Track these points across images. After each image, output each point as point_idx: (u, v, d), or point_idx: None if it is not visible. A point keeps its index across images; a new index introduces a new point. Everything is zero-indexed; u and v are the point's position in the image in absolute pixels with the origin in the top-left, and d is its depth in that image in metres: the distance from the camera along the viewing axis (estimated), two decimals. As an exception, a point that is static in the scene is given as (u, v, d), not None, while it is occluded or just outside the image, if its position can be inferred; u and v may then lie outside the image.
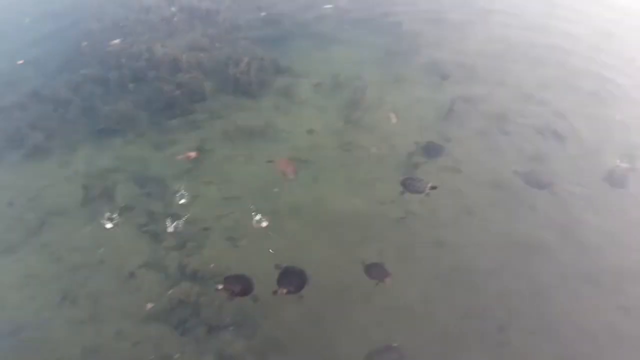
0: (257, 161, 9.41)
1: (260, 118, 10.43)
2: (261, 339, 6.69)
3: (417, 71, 12.19)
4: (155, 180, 8.98)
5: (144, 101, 10.81)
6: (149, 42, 12.39)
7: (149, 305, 6.94)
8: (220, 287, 6.98)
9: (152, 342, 6.62)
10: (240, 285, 7.02)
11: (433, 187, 8.76)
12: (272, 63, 11.95)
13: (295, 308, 7.06)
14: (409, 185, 8.80)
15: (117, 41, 12.52)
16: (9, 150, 9.69)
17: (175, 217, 8.29)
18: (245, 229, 8.17)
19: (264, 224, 8.23)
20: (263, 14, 14.13)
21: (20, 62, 12.13)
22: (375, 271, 7.55)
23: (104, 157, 9.51)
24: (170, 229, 8.09)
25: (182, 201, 8.55)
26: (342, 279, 7.45)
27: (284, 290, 7.09)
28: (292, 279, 7.31)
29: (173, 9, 13.90)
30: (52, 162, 9.43)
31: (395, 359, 6.57)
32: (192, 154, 9.51)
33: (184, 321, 6.83)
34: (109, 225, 8.17)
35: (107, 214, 8.31)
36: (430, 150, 9.75)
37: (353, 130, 10.20)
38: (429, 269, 7.70)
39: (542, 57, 12.76)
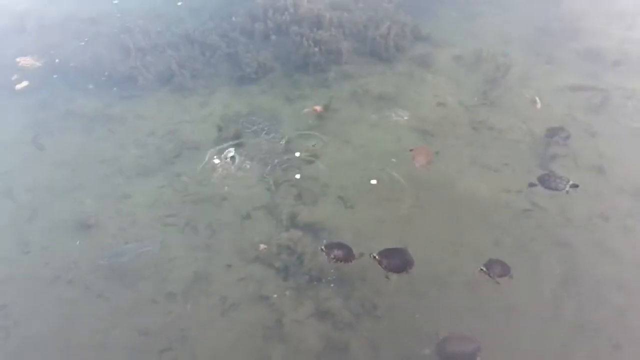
0: (382, 126, 9.28)
1: (391, 84, 10.24)
2: (357, 301, 6.72)
3: (572, 55, 11.04)
4: (282, 131, 9.30)
5: (283, 54, 11.17)
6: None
7: (262, 247, 7.29)
8: (323, 248, 7.03)
9: (256, 280, 6.96)
10: (342, 252, 6.98)
11: (574, 185, 7.74)
12: (413, 29, 11.57)
13: (395, 281, 6.96)
14: (546, 181, 7.90)
15: (266, -7, 12.93)
16: (158, 85, 10.60)
17: (293, 169, 8.55)
18: (359, 192, 8.16)
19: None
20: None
21: (180, 3, 13.10)
22: (496, 268, 7.02)
23: (239, 102, 10.03)
24: (289, 178, 8.36)
25: (297, 154, 8.78)
26: (450, 261, 7.14)
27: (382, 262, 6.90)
28: (394, 257, 7.03)
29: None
30: (192, 101, 10.17)
31: (469, 351, 6.18)
32: (318, 108, 9.64)
33: (288, 267, 7.08)
34: (234, 168, 8.67)
35: (236, 156, 8.81)
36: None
37: (488, 109, 9.58)
38: (547, 269, 7.06)
39: None
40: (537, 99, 9.61)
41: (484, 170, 8.44)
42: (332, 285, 6.88)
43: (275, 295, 6.79)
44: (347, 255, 6.89)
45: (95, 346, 6.34)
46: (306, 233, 7.50)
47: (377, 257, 6.65)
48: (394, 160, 8.61)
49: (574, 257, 7.20)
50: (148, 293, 6.87)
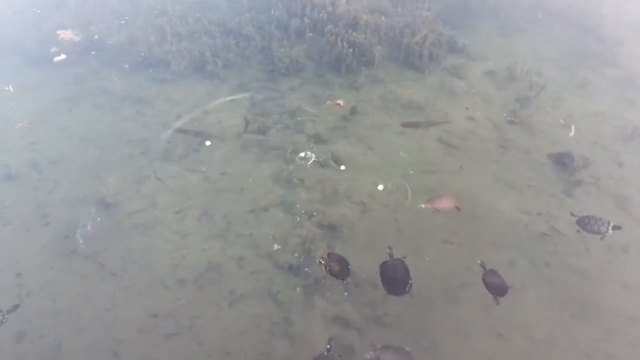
0: (407, 135, 9.24)
1: (421, 93, 10.18)
2: (367, 307, 6.75)
3: (608, 80, 10.83)
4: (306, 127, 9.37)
5: (316, 52, 11.19)
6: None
7: (276, 247, 7.33)
8: (322, 261, 7.00)
9: (267, 276, 7.04)
10: (339, 267, 6.91)
11: (616, 227, 7.50)
12: (449, 40, 11.49)
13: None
14: (586, 224, 7.61)
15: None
16: (190, 71, 10.71)
17: (317, 167, 8.59)
18: (374, 198, 8.15)
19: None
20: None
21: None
22: (494, 283, 6.92)
23: (267, 96, 10.07)
24: (307, 180, 8.40)
25: (312, 158, 8.81)
26: (463, 277, 7.11)
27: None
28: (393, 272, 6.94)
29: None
30: (221, 90, 10.27)
31: None
32: (341, 103, 9.74)
33: (298, 267, 7.14)
34: (257, 160, 8.73)
35: (259, 151, 8.88)
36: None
37: (516, 128, 9.46)
38: (561, 295, 6.97)
39: None
40: (573, 126, 9.39)
41: (506, 189, 8.35)
42: (346, 283, 6.91)
43: (284, 291, 6.85)
44: (343, 271, 6.89)
45: (105, 323, 6.48)
46: (322, 231, 7.56)
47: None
48: (411, 172, 8.56)
49: (587, 286, 7.10)
50: (160, 277, 6.99)
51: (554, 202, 8.17)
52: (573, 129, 9.35)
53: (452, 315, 6.70)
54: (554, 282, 7.13)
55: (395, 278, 6.82)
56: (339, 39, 10.99)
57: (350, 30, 11.34)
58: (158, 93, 10.10)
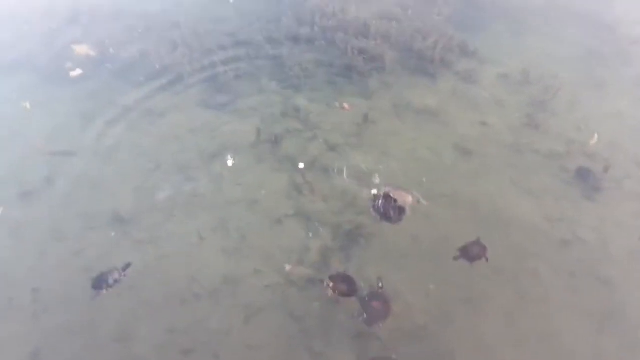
0: (419, 143, 9.13)
1: (434, 98, 10.07)
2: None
3: (625, 80, 10.64)
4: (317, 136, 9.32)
5: (326, 60, 11.13)
6: (344, 3, 12.59)
7: (288, 267, 7.22)
8: (330, 284, 6.93)
9: (281, 289, 6.97)
10: (346, 286, 6.90)
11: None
12: (460, 44, 11.37)
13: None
14: None
15: (317, -1, 12.94)
16: (201, 82, 10.69)
17: (329, 178, 8.52)
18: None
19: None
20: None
21: (231, 1, 13.24)
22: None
23: (279, 105, 10.03)
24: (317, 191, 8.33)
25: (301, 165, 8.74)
26: (483, 285, 6.98)
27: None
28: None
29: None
30: (235, 102, 10.25)
31: None
32: (347, 106, 9.77)
33: (314, 280, 7.07)
34: (270, 171, 8.69)
35: (272, 161, 8.84)
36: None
37: (532, 132, 9.32)
38: (585, 304, 6.82)
39: None
40: (596, 135, 9.18)
41: (524, 195, 8.21)
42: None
43: (301, 306, 6.78)
44: (351, 289, 6.84)
45: (121, 339, 6.46)
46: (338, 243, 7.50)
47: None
48: (424, 179, 8.44)
49: (614, 294, 6.92)
50: (178, 291, 6.96)
51: (575, 207, 8.00)
52: (596, 137, 9.13)
53: (473, 327, 6.57)
54: (579, 291, 6.96)
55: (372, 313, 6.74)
56: (349, 46, 10.93)
57: (360, 37, 11.29)
58: (171, 105, 10.08)
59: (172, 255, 7.39)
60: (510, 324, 6.59)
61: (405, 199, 8.00)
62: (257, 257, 7.36)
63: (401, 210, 7.83)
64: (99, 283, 6.96)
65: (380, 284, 6.96)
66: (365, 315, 6.63)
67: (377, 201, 7.92)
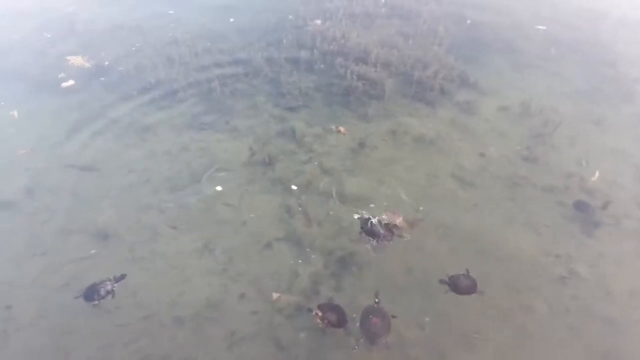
0: (416, 171, 8.93)
1: (432, 128, 9.92)
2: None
3: (625, 118, 10.56)
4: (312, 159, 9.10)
5: (325, 84, 11.02)
6: (345, 29, 12.58)
7: (276, 296, 6.87)
8: (319, 312, 6.57)
9: (268, 316, 6.60)
10: (336, 316, 6.56)
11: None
12: (461, 74, 11.32)
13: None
14: None
15: (317, 22, 12.92)
16: (196, 98, 10.53)
17: (322, 202, 8.25)
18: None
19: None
20: (468, 21, 13.51)
21: (232, 20, 13.21)
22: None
23: (274, 126, 9.84)
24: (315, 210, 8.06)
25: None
26: (477, 322, 6.67)
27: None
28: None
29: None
30: (229, 120, 10.05)
31: None
32: (342, 129, 9.67)
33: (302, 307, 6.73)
34: (261, 192, 8.41)
35: (264, 182, 8.57)
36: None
37: (531, 165, 9.13)
38: (582, 343, 6.49)
39: None
40: (597, 172, 9.01)
41: (522, 229, 7.97)
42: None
43: (287, 335, 6.42)
44: (340, 319, 6.51)
45: (95, 364, 6.04)
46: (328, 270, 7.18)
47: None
48: (421, 208, 8.21)
49: (611, 334, 6.63)
50: (157, 315, 6.57)
51: (573, 243, 7.77)
52: (597, 174, 8.97)
53: (467, 364, 6.24)
54: (575, 329, 6.66)
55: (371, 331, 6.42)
56: (349, 71, 10.84)
57: (360, 63, 11.22)
58: (163, 121, 9.86)
59: (154, 276, 7.03)
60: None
61: (396, 219, 7.83)
62: (244, 281, 7.00)
63: (391, 230, 7.65)
64: (91, 294, 6.63)
65: (376, 299, 6.68)
66: (365, 338, 6.32)
67: (367, 225, 7.66)
